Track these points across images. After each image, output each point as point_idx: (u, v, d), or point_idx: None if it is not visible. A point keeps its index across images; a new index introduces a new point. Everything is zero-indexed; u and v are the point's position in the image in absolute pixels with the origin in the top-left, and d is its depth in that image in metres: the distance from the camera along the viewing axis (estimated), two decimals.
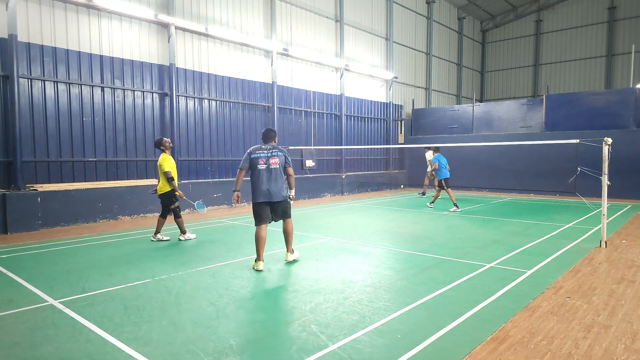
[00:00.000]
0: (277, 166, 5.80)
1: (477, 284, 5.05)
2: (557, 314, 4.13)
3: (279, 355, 3.32)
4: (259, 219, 5.83)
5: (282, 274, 5.54)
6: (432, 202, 12.36)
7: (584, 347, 3.45)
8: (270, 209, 5.88)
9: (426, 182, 15.39)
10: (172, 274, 5.59)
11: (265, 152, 5.85)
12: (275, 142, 6.07)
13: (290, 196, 5.99)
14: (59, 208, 9.25)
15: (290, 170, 5.91)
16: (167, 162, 7.57)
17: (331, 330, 3.76)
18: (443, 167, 11.86)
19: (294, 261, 6.13)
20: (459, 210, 11.51)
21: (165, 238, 7.77)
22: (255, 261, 5.80)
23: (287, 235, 6.10)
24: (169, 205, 7.71)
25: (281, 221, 6.11)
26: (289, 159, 5.96)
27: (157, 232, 7.78)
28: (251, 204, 5.93)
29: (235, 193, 5.95)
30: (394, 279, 5.32)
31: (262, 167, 5.78)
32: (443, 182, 11.83)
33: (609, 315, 4.11)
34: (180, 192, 7.72)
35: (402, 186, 13.77)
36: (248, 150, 5.95)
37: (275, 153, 5.85)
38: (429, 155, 14.60)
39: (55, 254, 6.90)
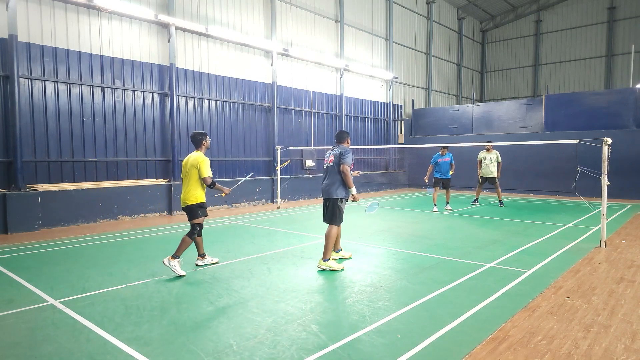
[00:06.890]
0: (332, 164, 5.87)
1: (477, 284, 5.06)
2: (557, 314, 4.13)
3: (279, 355, 3.32)
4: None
5: (281, 274, 5.54)
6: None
7: (583, 347, 3.45)
8: (325, 207, 5.99)
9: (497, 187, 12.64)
10: (172, 274, 5.59)
11: (330, 151, 6.06)
12: (346, 142, 6.08)
13: (353, 195, 5.78)
14: (59, 208, 9.27)
15: (343, 168, 5.73)
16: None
17: (331, 330, 3.76)
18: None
19: (325, 271, 5.59)
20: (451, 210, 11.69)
21: (214, 260, 6.24)
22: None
23: (325, 240, 5.83)
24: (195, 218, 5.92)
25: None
26: (345, 156, 5.76)
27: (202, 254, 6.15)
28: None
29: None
30: (394, 279, 5.33)
31: (325, 165, 6.09)
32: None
33: (608, 315, 4.11)
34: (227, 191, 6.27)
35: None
36: None
37: (334, 152, 5.93)
38: (487, 154, 12.43)
39: (56, 254, 6.90)
